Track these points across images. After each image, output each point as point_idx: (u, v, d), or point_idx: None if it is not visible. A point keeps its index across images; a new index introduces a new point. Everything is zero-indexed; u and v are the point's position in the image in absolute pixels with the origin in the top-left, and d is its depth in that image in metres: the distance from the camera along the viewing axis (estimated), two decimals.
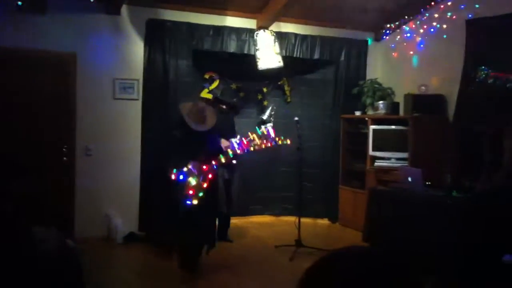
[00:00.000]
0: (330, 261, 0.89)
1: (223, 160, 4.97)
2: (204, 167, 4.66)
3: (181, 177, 4.58)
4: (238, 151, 5.39)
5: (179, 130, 4.92)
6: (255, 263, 5.40)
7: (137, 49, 6.16)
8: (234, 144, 5.45)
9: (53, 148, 5.81)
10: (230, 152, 5.23)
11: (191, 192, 4.50)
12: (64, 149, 5.84)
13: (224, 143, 5.75)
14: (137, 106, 6.16)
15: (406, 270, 0.83)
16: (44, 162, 5.72)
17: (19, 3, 5.13)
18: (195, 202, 4.50)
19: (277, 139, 5.96)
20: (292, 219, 6.48)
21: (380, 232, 5.20)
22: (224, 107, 6.20)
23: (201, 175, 4.62)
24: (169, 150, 5.08)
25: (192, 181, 4.54)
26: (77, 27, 5.82)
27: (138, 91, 6.16)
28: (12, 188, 2.01)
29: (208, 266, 5.11)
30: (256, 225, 7.00)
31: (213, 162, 4.79)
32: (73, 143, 5.88)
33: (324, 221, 7.31)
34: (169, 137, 5.16)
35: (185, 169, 4.59)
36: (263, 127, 5.96)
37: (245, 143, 5.50)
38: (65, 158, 5.86)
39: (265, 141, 5.80)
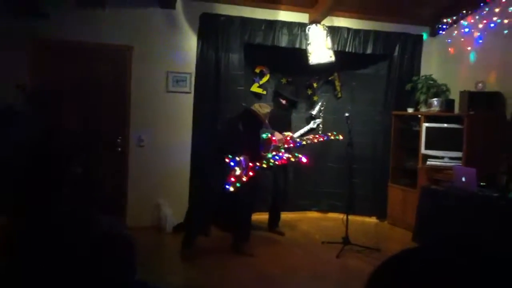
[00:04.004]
0: (397, 263, 0.86)
1: (264, 165, 5.35)
2: (251, 164, 5.10)
3: (231, 163, 4.97)
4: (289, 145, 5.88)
5: (242, 125, 5.25)
6: (301, 257, 5.41)
7: (190, 42, 6.27)
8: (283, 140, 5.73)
9: (108, 138, 6.01)
10: (281, 145, 5.71)
11: (232, 179, 4.90)
12: (118, 140, 6.03)
13: (277, 136, 5.80)
14: (189, 99, 6.27)
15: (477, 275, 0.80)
16: (100, 152, 5.94)
17: None
18: (232, 189, 4.89)
19: (329, 134, 6.08)
20: (339, 215, 6.45)
21: (431, 232, 5.09)
22: (284, 102, 6.27)
23: (245, 170, 5.03)
24: (227, 138, 5.32)
25: (238, 171, 4.96)
26: (134, 21, 5.99)
27: (190, 84, 6.27)
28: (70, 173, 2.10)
29: (256, 258, 5.18)
30: (303, 220, 7.00)
31: (258, 164, 5.21)
32: (127, 134, 6.06)
33: (372, 219, 7.20)
34: (231, 127, 5.37)
35: (237, 158, 4.98)
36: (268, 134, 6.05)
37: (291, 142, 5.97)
38: (119, 149, 6.05)
39: (317, 135, 6.01)
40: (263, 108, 5.42)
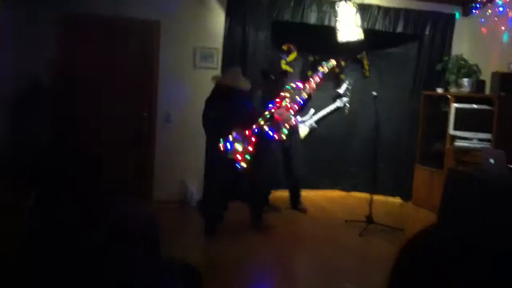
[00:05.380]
0: (427, 238, 0.86)
1: (261, 122, 5.22)
2: (247, 132, 4.99)
3: (228, 146, 4.91)
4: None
5: (214, 109, 4.95)
6: (324, 235, 5.43)
7: (218, 18, 6.25)
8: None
9: (135, 114, 6.07)
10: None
11: (239, 157, 4.86)
12: (144, 114, 6.08)
13: (277, 111, 5.77)
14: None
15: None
16: (126, 127, 6.02)
17: None
18: (244, 165, 4.86)
19: (320, 68, 6.10)
20: (363, 195, 6.44)
21: (457, 214, 5.04)
22: (272, 77, 6.14)
23: (245, 140, 4.96)
24: (210, 128, 5.04)
25: (238, 147, 4.92)
26: None
27: (217, 60, 6.27)
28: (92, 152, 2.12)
29: (278, 235, 5.24)
30: (326, 198, 7.01)
31: (254, 127, 5.09)
32: (154, 109, 6.12)
33: (396, 199, 7.17)
34: (206, 115, 5.03)
35: (230, 138, 4.90)
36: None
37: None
38: (145, 124, 6.11)
39: (311, 79, 5.97)
40: (227, 75, 5.19)
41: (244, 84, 5.08)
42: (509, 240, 0.83)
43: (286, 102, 5.90)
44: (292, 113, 5.91)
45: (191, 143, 6.20)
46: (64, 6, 5.62)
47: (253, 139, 5.03)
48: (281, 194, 6.37)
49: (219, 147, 4.91)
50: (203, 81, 6.19)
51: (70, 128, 5.73)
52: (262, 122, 5.28)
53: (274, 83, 6.07)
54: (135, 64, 6.06)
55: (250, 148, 4.93)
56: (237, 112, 4.95)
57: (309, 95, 6.07)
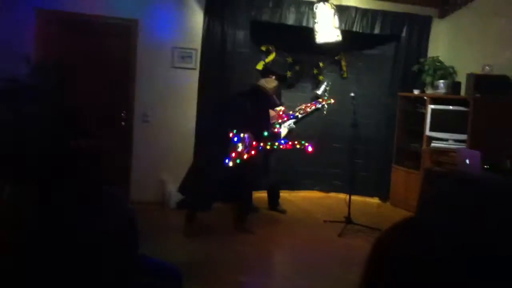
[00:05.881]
0: (402, 229, 0.86)
1: (268, 147, 5.26)
2: (254, 143, 5.06)
3: (235, 139, 4.95)
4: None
5: (250, 102, 5.18)
6: (303, 236, 5.45)
7: (196, 18, 6.22)
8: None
9: (112, 113, 6.01)
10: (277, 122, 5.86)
11: (233, 154, 4.90)
12: (122, 114, 6.03)
13: (271, 113, 5.80)
14: (194, 75, 6.24)
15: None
16: (103, 126, 5.93)
17: None
18: (231, 164, 4.88)
19: (320, 100, 6.11)
20: (341, 196, 6.47)
21: (433, 214, 5.11)
22: (273, 77, 6.14)
23: (248, 148, 5.01)
24: (233, 115, 5.17)
25: (239, 147, 4.96)
26: None
27: (196, 61, 6.23)
28: (77, 146, 2.09)
29: (257, 236, 5.22)
30: (305, 199, 7.03)
31: (261, 144, 5.14)
32: (132, 109, 6.05)
33: (374, 200, 7.23)
34: (238, 104, 5.24)
35: (241, 135, 4.95)
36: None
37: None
38: (123, 123, 6.05)
39: (309, 104, 6.03)
40: (270, 83, 5.41)
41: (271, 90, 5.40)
42: (486, 239, 0.84)
43: (279, 111, 5.95)
44: (279, 121, 5.96)
45: (169, 143, 6.16)
46: (45, 2, 5.52)
47: (253, 152, 5.07)
48: (259, 195, 6.36)
49: (224, 142, 4.96)
50: (181, 81, 6.16)
51: (46, 127, 5.61)
52: (265, 133, 5.33)
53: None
54: (112, 64, 5.99)
55: (245, 156, 4.97)
56: (262, 116, 5.25)
57: (300, 117, 6.15)
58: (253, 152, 5.07)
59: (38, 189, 1.81)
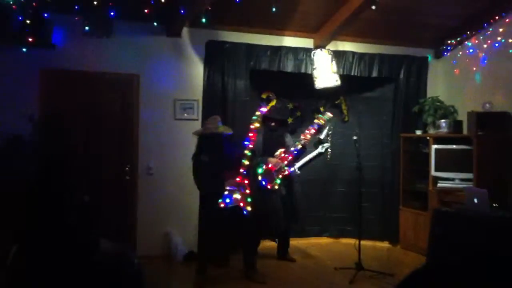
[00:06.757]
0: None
1: (246, 162, 5.25)
2: (238, 179, 5.14)
3: (227, 200, 5.04)
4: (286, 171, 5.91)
5: (205, 154, 5.09)
6: (315, 284, 5.30)
7: (197, 70, 6.32)
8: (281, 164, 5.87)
9: (117, 167, 6.00)
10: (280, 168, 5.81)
11: (241, 204, 4.99)
12: (127, 168, 6.03)
13: (271, 161, 5.78)
14: (197, 126, 6.24)
15: None
16: (108, 180, 5.93)
17: (87, 28, 5.35)
18: (249, 208, 5.01)
19: (316, 120, 6.15)
20: (351, 241, 6.35)
21: (444, 254, 4.99)
22: (273, 124, 6.10)
23: (240, 187, 5.11)
24: (201, 177, 5.13)
25: (237, 195, 5.06)
26: (140, 50, 6.05)
27: (197, 111, 6.28)
28: (76, 201, 2.06)
29: (268, 286, 5.10)
30: (314, 246, 6.90)
31: (241, 170, 5.18)
32: (135, 162, 6.05)
33: (384, 244, 7.09)
34: (197, 163, 5.15)
35: (226, 192, 5.06)
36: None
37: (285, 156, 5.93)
38: (127, 177, 6.03)
39: (307, 130, 6.00)
40: (208, 124, 5.27)
41: (225, 129, 5.25)
42: (499, 274, 0.82)
43: (281, 152, 5.90)
44: (286, 163, 5.89)
45: (174, 195, 6.12)
46: (47, 62, 5.62)
47: (245, 181, 5.16)
48: (267, 244, 6.25)
49: (215, 199, 5.04)
50: (184, 132, 6.18)
51: (48, 183, 5.60)
52: (247, 163, 5.26)
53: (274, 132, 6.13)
54: (116, 118, 6.04)
55: (248, 191, 5.04)
56: (224, 155, 5.10)
57: (304, 146, 6.08)
58: (246, 181, 5.15)
59: (45, 248, 1.77)
